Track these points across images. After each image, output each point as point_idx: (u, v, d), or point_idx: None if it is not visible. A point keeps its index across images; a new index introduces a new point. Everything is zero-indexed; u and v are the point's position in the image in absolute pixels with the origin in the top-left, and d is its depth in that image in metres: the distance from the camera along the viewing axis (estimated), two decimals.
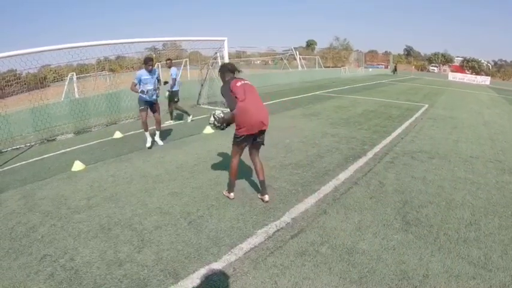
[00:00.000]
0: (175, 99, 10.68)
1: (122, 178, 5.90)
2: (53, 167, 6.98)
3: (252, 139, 4.46)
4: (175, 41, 11.35)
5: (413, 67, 62.50)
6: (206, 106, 14.09)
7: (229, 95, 4.33)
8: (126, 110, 11.85)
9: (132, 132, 9.67)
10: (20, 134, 10.30)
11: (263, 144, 4.64)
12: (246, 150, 4.65)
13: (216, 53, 13.83)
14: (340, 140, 7.96)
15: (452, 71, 57.37)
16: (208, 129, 9.14)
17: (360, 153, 6.96)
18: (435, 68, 78.66)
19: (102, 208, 4.76)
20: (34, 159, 7.73)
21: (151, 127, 8.03)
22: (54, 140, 9.75)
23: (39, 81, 14.86)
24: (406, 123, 10.04)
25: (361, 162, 6.42)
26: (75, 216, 4.56)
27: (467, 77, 45.60)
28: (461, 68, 72.11)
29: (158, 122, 7.96)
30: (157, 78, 7.65)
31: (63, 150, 8.27)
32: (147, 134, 7.77)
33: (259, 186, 4.83)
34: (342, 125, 9.74)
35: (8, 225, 4.44)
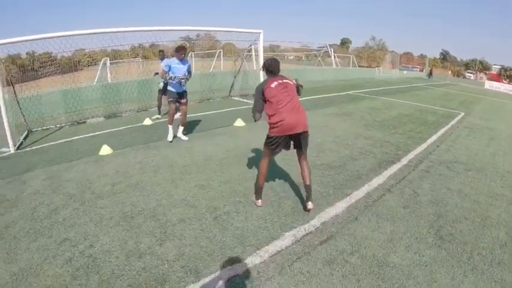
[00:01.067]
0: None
1: (148, 166, 5.76)
2: (81, 149, 6.95)
3: (290, 141, 4.12)
4: (210, 31, 11.10)
5: (449, 72, 60.20)
6: (238, 98, 13.90)
7: (257, 97, 4.12)
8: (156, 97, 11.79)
9: (162, 120, 9.56)
10: (51, 116, 10.40)
11: (303, 150, 4.15)
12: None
13: (250, 45, 13.61)
14: (374, 143, 7.57)
15: (488, 79, 54.90)
16: (240, 122, 8.92)
17: (394, 158, 6.56)
18: (471, 75, 75.53)
19: (127, 195, 4.62)
20: (63, 140, 7.76)
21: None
22: (84, 122, 9.80)
23: (73, 64, 15.07)
24: (442, 131, 9.47)
25: (395, 168, 6.03)
26: (99, 202, 4.45)
27: (505, 87, 43.38)
28: (498, 77, 68.98)
29: (184, 114, 7.63)
30: (188, 70, 7.35)
31: (92, 134, 8.26)
32: (171, 127, 7.46)
33: (298, 190, 4.60)
34: (375, 127, 9.31)
35: (30, 205, 4.39)
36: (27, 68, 14.41)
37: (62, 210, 4.23)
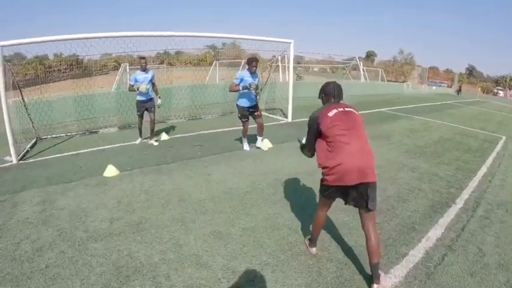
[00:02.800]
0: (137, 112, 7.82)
1: (156, 197, 4.84)
2: (85, 166, 6.20)
3: (349, 194, 3.03)
4: (238, 38, 10.22)
5: (479, 89, 57.71)
6: (263, 113, 12.92)
7: (309, 129, 3.22)
8: (177, 109, 10.97)
9: (179, 135, 8.72)
10: (62, 122, 9.79)
11: (369, 207, 3.00)
12: None
13: (273, 56, 12.84)
14: (421, 177, 6.47)
15: None
16: (266, 143, 7.92)
17: (447, 199, 5.50)
18: (501, 92, 72.98)
19: (125, 239, 3.69)
20: (70, 153, 7.07)
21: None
22: (96, 132, 9.04)
23: (99, 68, 14.58)
24: (489, 160, 8.40)
25: (451, 213, 4.95)
26: (91, 245, 3.57)
27: None
28: None
29: (260, 127, 7.40)
30: (258, 81, 7.05)
31: (102, 147, 7.53)
32: (246, 140, 7.53)
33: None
34: (418, 154, 8.19)
35: (15, 238, 3.72)
36: (54, 69, 14.08)
37: (47, 252, 3.43)
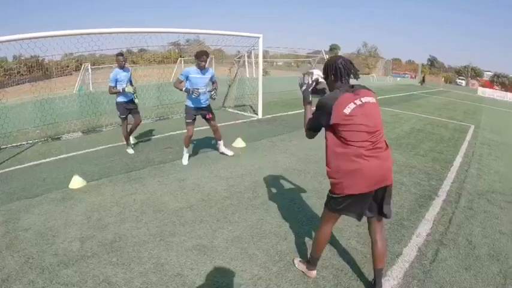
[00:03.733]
0: (120, 115, 7.06)
1: (129, 210, 4.48)
2: (48, 178, 5.71)
3: (369, 202, 2.65)
4: (205, 34, 9.80)
5: (442, 79, 59.66)
6: (232, 110, 12.64)
7: (317, 113, 2.63)
8: (144, 109, 10.45)
9: (147, 138, 8.28)
10: (24, 129, 9.12)
11: (384, 211, 2.71)
12: None
13: (238, 51, 12.56)
14: (400, 170, 6.46)
15: (481, 86, 55.03)
16: (240, 142, 7.66)
17: (429, 192, 5.53)
18: (462, 81, 75.79)
19: (100, 262, 3.35)
20: (31, 163, 6.51)
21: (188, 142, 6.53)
22: (59, 138, 8.48)
23: (62, 69, 13.90)
24: (462, 149, 8.66)
25: (436, 206, 4.97)
26: (62, 272, 3.19)
27: (497, 93, 43.53)
28: (491, 84, 69.22)
29: (216, 130, 6.58)
30: (211, 79, 6.18)
31: (65, 155, 6.98)
32: (186, 150, 6.46)
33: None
34: (393, 147, 8.19)
35: None
36: (12, 73, 13.17)
37: (14, 283, 3.03)
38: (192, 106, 6.10)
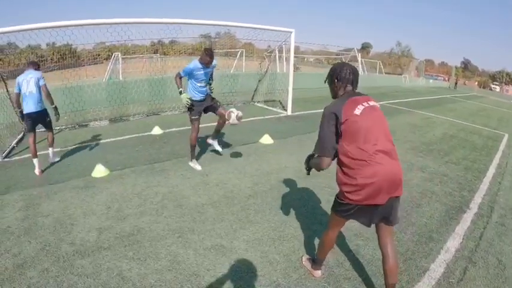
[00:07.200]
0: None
1: (150, 202, 4.39)
2: (72, 164, 5.73)
3: (376, 212, 2.43)
4: (237, 27, 9.62)
5: (476, 83, 57.28)
6: (261, 105, 12.46)
7: (325, 125, 2.44)
8: (172, 100, 10.40)
9: (174, 129, 8.21)
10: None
11: (391, 220, 2.53)
12: None
13: (269, 46, 12.34)
14: (431, 178, 6.10)
15: None
16: (267, 139, 7.47)
17: (461, 203, 5.17)
18: (497, 87, 72.88)
19: (115, 255, 3.26)
20: (57, 149, 6.49)
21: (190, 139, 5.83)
22: (86, 126, 8.55)
23: (93, 58, 14.16)
24: (496, 159, 8.14)
25: (467, 220, 4.62)
26: (77, 262, 3.12)
27: None
28: None
29: (222, 116, 5.56)
30: (210, 74, 5.61)
31: (90, 143, 7.01)
32: (194, 156, 5.86)
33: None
34: (425, 152, 7.82)
35: None
36: (44, 60, 13.50)
37: (28, 269, 2.99)
38: (198, 99, 5.51)
